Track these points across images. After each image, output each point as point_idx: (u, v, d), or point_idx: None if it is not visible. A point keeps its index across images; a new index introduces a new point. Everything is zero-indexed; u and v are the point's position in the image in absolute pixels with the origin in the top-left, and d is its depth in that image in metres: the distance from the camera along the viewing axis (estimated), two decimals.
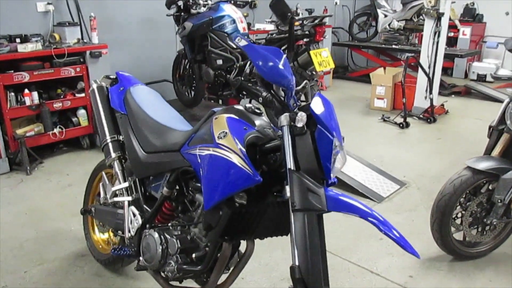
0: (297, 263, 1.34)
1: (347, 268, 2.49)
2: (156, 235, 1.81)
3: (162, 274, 1.87)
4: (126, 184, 2.05)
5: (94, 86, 2.31)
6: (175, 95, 5.14)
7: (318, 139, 1.40)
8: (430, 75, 5.30)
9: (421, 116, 5.34)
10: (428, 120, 5.27)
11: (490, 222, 2.47)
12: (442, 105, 5.63)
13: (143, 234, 1.89)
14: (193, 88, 4.92)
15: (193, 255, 1.71)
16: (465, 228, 2.51)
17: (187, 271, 1.68)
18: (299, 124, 1.38)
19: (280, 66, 1.41)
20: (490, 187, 2.48)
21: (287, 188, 1.38)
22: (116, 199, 2.07)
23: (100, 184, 2.22)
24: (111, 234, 2.49)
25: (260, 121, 1.59)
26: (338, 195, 1.39)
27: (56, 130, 3.95)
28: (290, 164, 1.39)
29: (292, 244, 1.36)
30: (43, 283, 2.35)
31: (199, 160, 1.58)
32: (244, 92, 4.25)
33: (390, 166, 3.89)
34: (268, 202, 1.55)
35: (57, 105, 3.95)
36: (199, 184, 1.70)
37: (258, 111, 1.65)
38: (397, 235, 1.33)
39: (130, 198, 2.01)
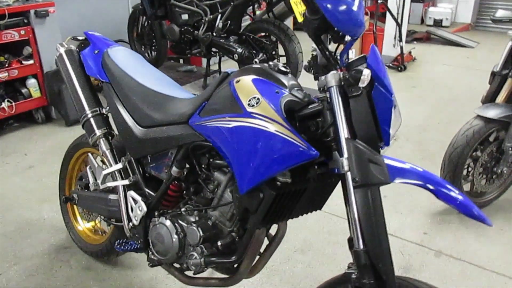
0: (362, 247, 1.15)
1: None
2: (168, 223, 1.54)
3: (176, 265, 1.63)
4: (120, 166, 1.73)
5: (62, 50, 1.92)
6: None
7: (376, 99, 1.17)
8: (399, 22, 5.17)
9: (391, 64, 5.24)
10: (399, 69, 5.18)
11: (500, 171, 2.41)
12: (410, 52, 5.56)
13: (151, 222, 1.62)
14: (153, 48, 4.47)
15: (218, 244, 1.47)
16: (475, 178, 2.43)
17: (217, 263, 1.44)
18: (363, 84, 1.13)
19: (355, 8, 1.13)
20: (497, 136, 2.40)
21: (344, 161, 1.15)
22: (110, 184, 1.75)
23: (87, 167, 1.88)
24: (98, 222, 2.18)
25: (290, 81, 1.33)
26: (397, 162, 1.20)
27: (4, 105, 3.44)
28: (345, 132, 1.16)
29: (354, 225, 1.16)
30: (24, 285, 2.02)
31: (223, 134, 1.30)
32: (215, 50, 3.89)
33: None
34: (310, 177, 1.32)
35: (2, 75, 3.41)
36: (219, 161, 1.44)
37: (284, 69, 1.38)
38: (476, 213, 1.15)
39: (127, 182, 1.71)
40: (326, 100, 1.22)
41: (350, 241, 1.25)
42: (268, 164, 1.19)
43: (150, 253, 1.64)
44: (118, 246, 1.65)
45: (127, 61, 1.83)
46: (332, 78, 1.19)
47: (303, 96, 1.30)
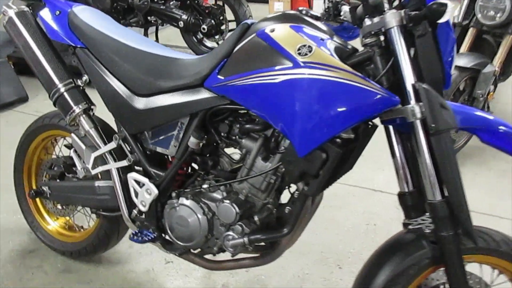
0: (439, 198, 1.07)
1: (351, 192, 2.33)
2: (191, 203, 1.34)
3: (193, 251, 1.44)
4: (113, 145, 1.46)
5: (11, 13, 1.56)
6: None
7: (441, 38, 1.08)
8: None
9: None
10: None
11: None
12: None
13: (167, 206, 1.39)
14: None
15: (255, 219, 1.31)
16: None
17: (265, 239, 1.28)
18: (444, 19, 1.02)
19: None
20: (466, 85, 2.49)
21: (415, 107, 1.05)
22: (103, 168, 1.47)
23: (71, 151, 1.56)
24: (70, 218, 1.87)
25: (327, 28, 1.20)
26: (459, 107, 1.14)
27: None
28: (412, 77, 1.06)
29: (428, 176, 1.09)
30: None
31: (265, 92, 1.13)
32: (155, 18, 3.55)
33: None
34: (360, 131, 1.21)
35: None
36: (249, 126, 1.27)
37: (315, 14, 1.24)
38: None
39: (126, 163, 1.45)
40: (377, 45, 1.10)
41: (401, 196, 1.18)
42: (338, 118, 1.05)
43: (166, 241, 1.42)
44: (136, 238, 1.40)
45: (100, 21, 1.54)
46: (392, 18, 1.06)
47: (345, 43, 1.18)
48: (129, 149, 1.46)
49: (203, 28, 3.36)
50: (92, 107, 1.52)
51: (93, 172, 1.48)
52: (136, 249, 1.93)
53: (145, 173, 1.45)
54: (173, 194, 1.37)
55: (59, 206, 1.80)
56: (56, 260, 1.86)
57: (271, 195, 1.32)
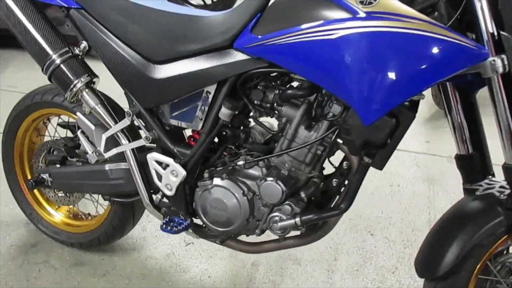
0: None
1: None
2: (227, 183, 1.18)
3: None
4: (127, 122, 1.26)
5: None
6: None
7: None
8: None
9: None
10: None
11: None
12: None
13: (198, 188, 1.23)
14: None
15: (302, 195, 1.16)
16: None
17: (322, 218, 1.14)
18: None
19: None
20: None
21: (497, 61, 0.89)
22: (117, 149, 1.27)
23: (78, 132, 1.34)
24: (72, 207, 1.68)
25: None
26: None
27: None
28: (491, 24, 0.90)
29: (508, 137, 0.95)
30: None
31: (320, 50, 0.96)
32: None
33: None
34: None
35: None
36: (290, 91, 1.10)
37: None
38: None
39: (143, 142, 1.26)
40: None
41: (461, 158, 1.07)
42: (415, 78, 0.89)
43: (199, 227, 1.27)
44: (169, 228, 1.22)
45: None
46: None
47: None
48: (143, 125, 1.27)
49: None
50: (94, 79, 1.31)
51: (106, 155, 1.28)
52: (150, 232, 1.77)
53: (165, 152, 1.27)
54: (206, 175, 1.20)
55: (61, 194, 1.60)
56: (63, 253, 1.68)
57: (317, 168, 1.17)
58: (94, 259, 1.66)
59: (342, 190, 1.18)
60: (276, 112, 1.15)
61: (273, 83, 1.14)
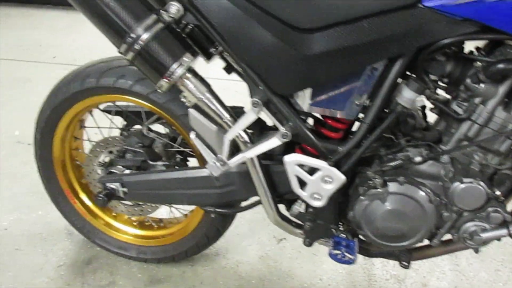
0: None
1: None
2: (407, 189, 0.90)
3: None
4: (253, 116, 0.91)
5: None
6: None
7: None
8: None
9: None
10: None
11: None
12: None
13: (363, 196, 0.93)
14: None
15: (497, 193, 0.91)
16: None
17: None
18: None
19: None
20: None
21: None
22: (245, 154, 0.92)
23: (192, 136, 0.96)
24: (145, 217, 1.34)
25: None
26: None
27: None
28: None
29: None
30: None
31: None
32: None
33: None
34: None
35: None
36: (503, 65, 0.81)
37: None
38: None
39: (279, 141, 0.92)
40: None
41: None
42: None
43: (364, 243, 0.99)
44: (342, 258, 0.93)
45: None
46: None
47: None
48: (274, 118, 0.93)
49: None
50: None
51: (231, 163, 0.93)
52: (228, 230, 1.47)
53: (304, 151, 0.95)
54: (377, 180, 0.90)
55: (128, 203, 1.24)
56: (131, 269, 1.36)
57: (509, 158, 0.92)
58: (173, 273, 1.35)
59: None
60: (469, 90, 0.86)
61: (460, 54, 0.85)
